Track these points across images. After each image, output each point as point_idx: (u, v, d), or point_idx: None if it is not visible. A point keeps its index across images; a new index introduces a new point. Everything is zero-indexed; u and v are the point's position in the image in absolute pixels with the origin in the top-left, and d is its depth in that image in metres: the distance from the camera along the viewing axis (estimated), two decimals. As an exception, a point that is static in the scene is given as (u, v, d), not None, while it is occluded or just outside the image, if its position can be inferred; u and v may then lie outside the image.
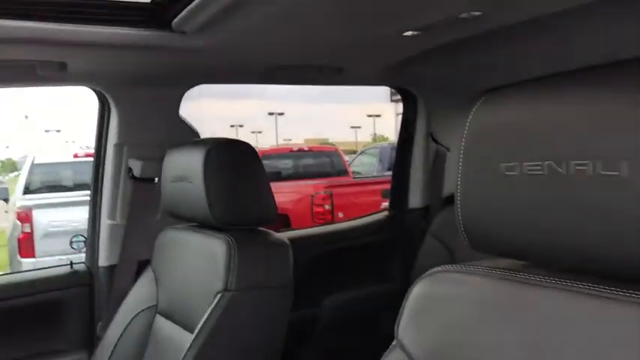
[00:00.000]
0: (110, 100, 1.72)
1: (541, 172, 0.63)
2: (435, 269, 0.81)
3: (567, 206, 0.60)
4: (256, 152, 1.46)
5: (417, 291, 0.82)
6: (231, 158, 1.41)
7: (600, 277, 0.62)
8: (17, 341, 1.73)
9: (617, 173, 0.56)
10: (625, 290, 0.59)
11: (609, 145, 0.56)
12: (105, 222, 1.79)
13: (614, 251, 0.58)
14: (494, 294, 0.71)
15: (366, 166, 10.42)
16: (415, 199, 2.29)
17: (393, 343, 0.82)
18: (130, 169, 1.77)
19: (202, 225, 1.50)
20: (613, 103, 0.57)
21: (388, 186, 2.54)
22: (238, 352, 1.34)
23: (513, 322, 0.67)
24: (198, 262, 1.43)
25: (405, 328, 0.81)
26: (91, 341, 1.80)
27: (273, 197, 1.45)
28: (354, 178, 8.83)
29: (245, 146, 1.46)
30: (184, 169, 1.44)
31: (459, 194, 0.74)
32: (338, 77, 1.86)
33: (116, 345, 1.59)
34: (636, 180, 0.54)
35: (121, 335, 1.60)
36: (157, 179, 1.81)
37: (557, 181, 0.61)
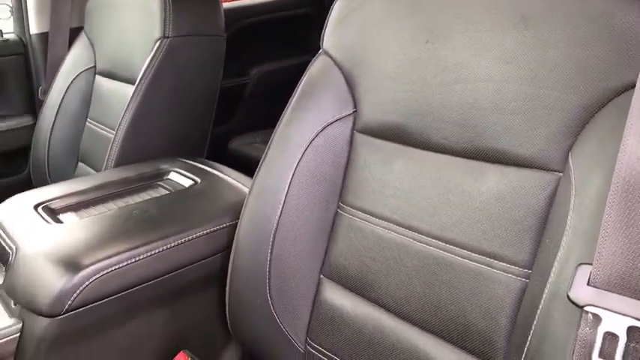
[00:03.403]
0: None
1: None
2: None
3: None
4: None
5: (338, 4, 0.98)
6: None
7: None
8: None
9: None
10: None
11: None
12: (30, -11, 1.80)
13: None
14: None
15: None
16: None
17: (319, 52, 1.00)
18: None
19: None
20: None
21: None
22: (178, 98, 1.49)
23: (415, 12, 0.85)
24: (133, 18, 1.52)
25: (329, 37, 0.99)
26: (33, 106, 1.90)
27: None
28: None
29: None
30: None
31: None
32: None
33: (60, 105, 1.71)
34: None
35: (63, 97, 1.71)
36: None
37: None
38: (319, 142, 0.94)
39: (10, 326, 0.89)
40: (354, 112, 0.93)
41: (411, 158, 0.85)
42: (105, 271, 0.91)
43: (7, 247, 1.00)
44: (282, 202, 0.93)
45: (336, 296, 0.92)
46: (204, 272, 1.03)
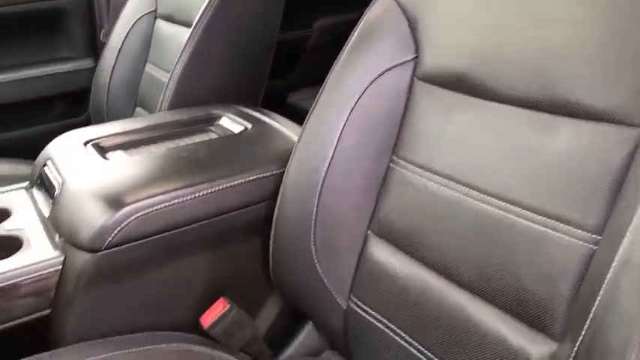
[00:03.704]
0: None
1: None
2: None
3: None
4: None
5: None
6: None
7: None
8: (21, 49, 1.84)
9: None
10: None
11: None
12: None
13: None
14: None
15: None
16: None
17: None
18: None
19: None
20: None
21: None
22: (234, 43, 1.43)
23: None
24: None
25: None
26: (95, 48, 1.91)
27: None
28: None
29: None
30: None
31: None
32: None
33: (120, 49, 1.70)
34: None
35: (124, 40, 1.70)
36: None
37: None
38: (375, 89, 0.88)
39: (53, 258, 0.89)
40: (415, 57, 0.87)
41: (474, 109, 0.78)
42: (148, 210, 0.89)
43: (54, 181, 0.99)
44: (331, 152, 0.88)
45: (383, 253, 0.87)
46: (249, 219, 1.00)
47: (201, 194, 0.93)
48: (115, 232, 0.86)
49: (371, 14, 0.92)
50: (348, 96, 0.88)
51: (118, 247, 0.87)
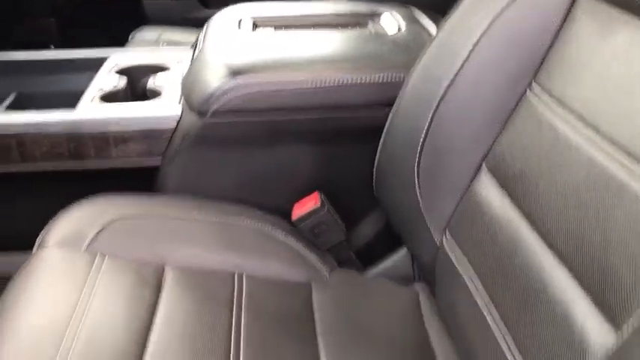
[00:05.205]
0: None
1: None
2: None
3: None
4: None
5: None
6: None
7: None
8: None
9: None
10: None
11: None
12: None
13: None
14: None
15: None
16: None
17: None
18: None
19: None
20: None
21: None
22: None
23: None
24: None
25: None
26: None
27: None
28: None
29: None
30: None
31: None
32: None
33: None
34: None
35: None
36: None
37: None
38: None
39: (171, 114, 0.93)
40: None
41: (631, 31, 0.59)
42: (262, 86, 0.87)
43: (198, 44, 1.03)
44: (460, 63, 0.75)
45: (489, 193, 0.74)
46: (365, 122, 0.92)
47: (318, 84, 0.88)
48: (223, 100, 0.86)
49: None
50: (493, 1, 0.74)
51: (224, 116, 0.88)
